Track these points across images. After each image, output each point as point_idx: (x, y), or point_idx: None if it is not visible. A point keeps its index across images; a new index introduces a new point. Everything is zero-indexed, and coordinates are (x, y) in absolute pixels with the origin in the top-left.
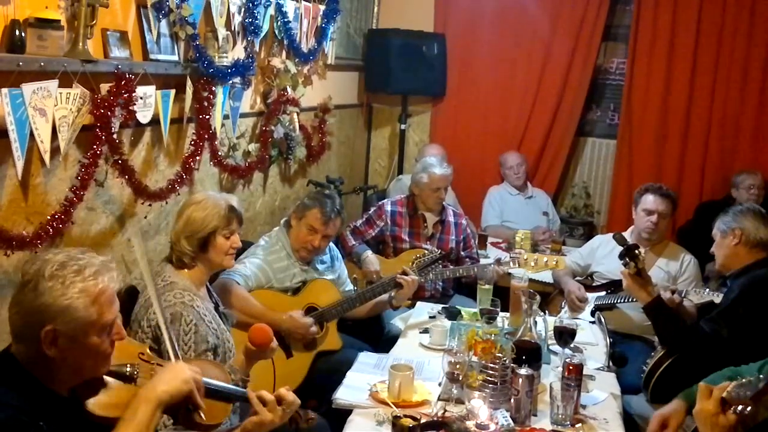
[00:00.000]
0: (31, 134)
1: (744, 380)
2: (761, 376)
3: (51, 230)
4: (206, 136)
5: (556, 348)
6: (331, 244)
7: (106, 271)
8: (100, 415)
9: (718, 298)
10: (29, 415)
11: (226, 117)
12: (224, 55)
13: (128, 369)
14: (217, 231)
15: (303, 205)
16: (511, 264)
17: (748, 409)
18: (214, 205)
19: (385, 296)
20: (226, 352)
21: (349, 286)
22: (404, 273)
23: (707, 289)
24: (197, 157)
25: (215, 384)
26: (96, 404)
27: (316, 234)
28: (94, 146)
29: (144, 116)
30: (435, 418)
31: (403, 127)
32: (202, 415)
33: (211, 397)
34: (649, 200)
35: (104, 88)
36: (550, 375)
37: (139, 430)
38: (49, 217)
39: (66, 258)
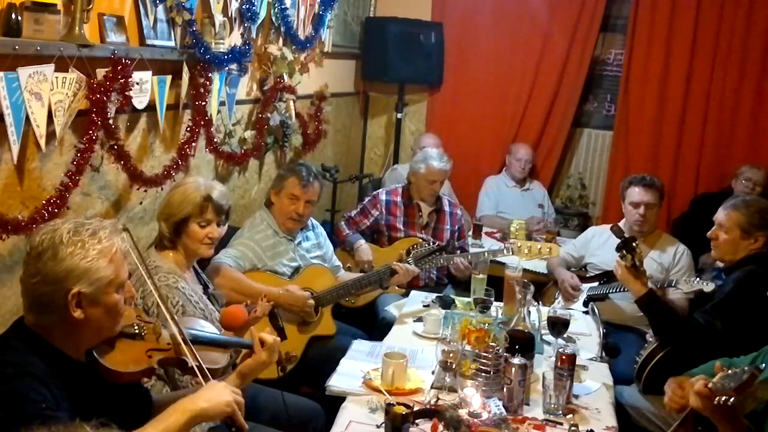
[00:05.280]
0: (27, 118)
1: (730, 371)
2: (746, 368)
3: (46, 215)
4: (202, 123)
5: (549, 338)
6: (316, 222)
7: (117, 233)
8: (118, 371)
9: (708, 287)
10: (56, 383)
11: (222, 104)
12: (221, 41)
13: (135, 328)
14: (190, 218)
15: (279, 177)
16: (505, 252)
17: (731, 399)
18: (193, 191)
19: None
20: None
21: (337, 262)
22: (400, 260)
23: (697, 278)
24: (193, 144)
25: (211, 335)
26: (113, 361)
27: (299, 201)
28: (90, 131)
29: (140, 102)
30: (428, 406)
31: (399, 116)
32: None
33: (207, 345)
34: (635, 192)
35: (100, 73)
36: (543, 365)
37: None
38: (44, 202)
39: (75, 224)
